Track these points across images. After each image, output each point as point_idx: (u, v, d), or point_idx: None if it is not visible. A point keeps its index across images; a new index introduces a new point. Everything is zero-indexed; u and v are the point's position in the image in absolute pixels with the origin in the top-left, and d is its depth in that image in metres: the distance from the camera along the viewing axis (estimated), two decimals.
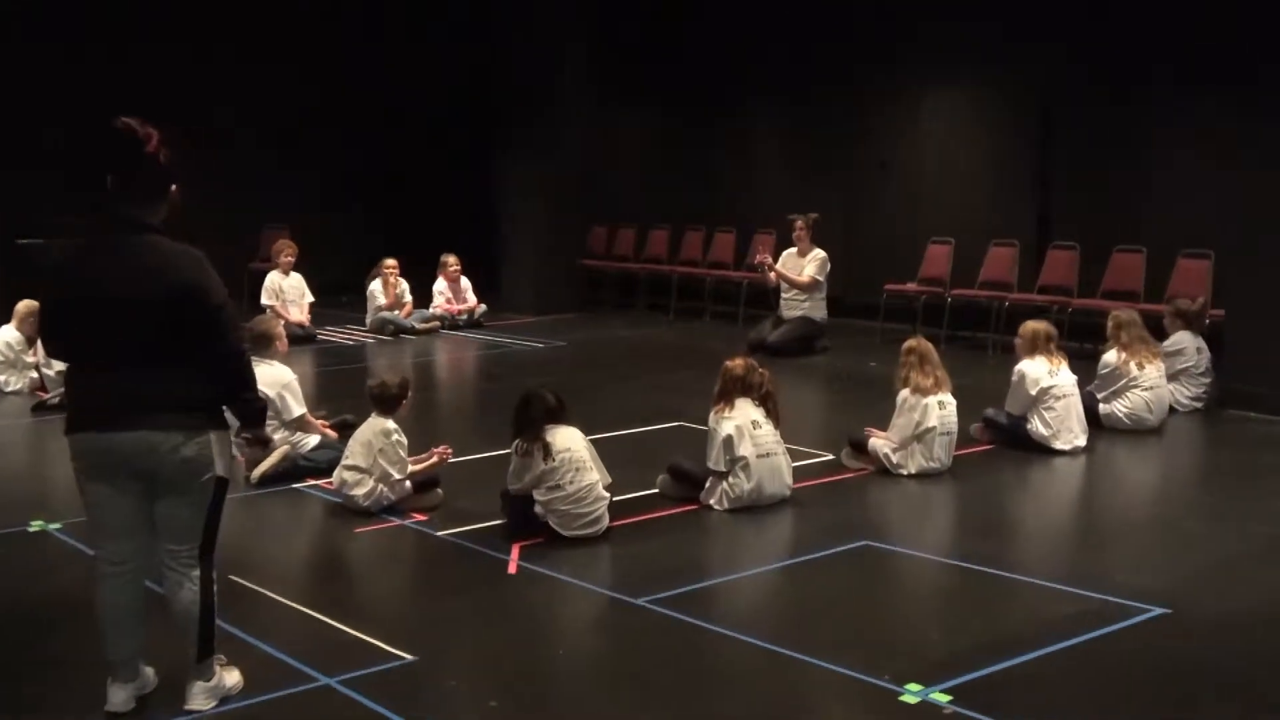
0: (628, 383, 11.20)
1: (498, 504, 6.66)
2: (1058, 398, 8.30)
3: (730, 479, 6.94)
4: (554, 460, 6.34)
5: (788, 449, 7.20)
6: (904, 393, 7.75)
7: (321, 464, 7.62)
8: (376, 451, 6.90)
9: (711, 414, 7.04)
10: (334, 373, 11.74)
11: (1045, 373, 8.35)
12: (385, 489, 6.92)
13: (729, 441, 6.89)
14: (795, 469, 7.32)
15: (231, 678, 4.59)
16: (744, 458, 6.89)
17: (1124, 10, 12.13)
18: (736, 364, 7.13)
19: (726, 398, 7.02)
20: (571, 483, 6.34)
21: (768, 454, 6.98)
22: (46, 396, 9.90)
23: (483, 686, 4.77)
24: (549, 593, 5.78)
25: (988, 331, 12.68)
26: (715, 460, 6.95)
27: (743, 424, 6.94)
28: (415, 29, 17.55)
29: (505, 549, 6.27)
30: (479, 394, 11.57)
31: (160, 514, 4.34)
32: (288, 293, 13.71)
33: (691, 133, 16.54)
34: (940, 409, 7.69)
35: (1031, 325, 8.62)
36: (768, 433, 7.01)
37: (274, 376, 7.57)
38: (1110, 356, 9.13)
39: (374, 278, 14.16)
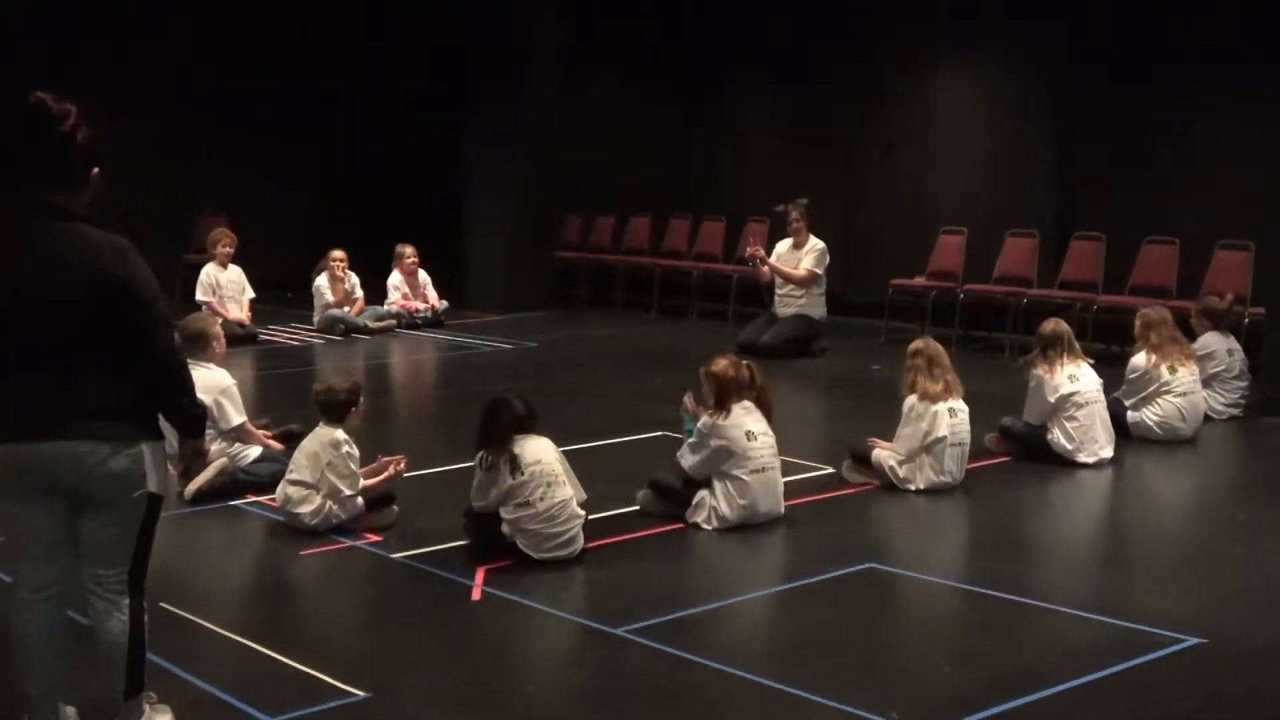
0: (605, 388, 11.21)
1: (460, 523, 6.65)
2: (1080, 405, 8.34)
3: (721, 495, 6.94)
4: (523, 474, 6.34)
5: (788, 461, 7.20)
6: (911, 399, 7.77)
7: (263, 478, 7.59)
8: (324, 465, 6.88)
9: (704, 418, 7.03)
10: (277, 377, 11.71)
11: (1067, 378, 8.39)
12: (334, 506, 6.90)
13: (721, 452, 6.91)
14: (792, 484, 7.34)
15: (162, 717, 4.57)
16: (735, 473, 6.90)
17: None
18: (723, 365, 7.12)
19: (723, 404, 7.02)
20: (542, 499, 6.34)
21: (762, 468, 7.00)
22: None
23: None
24: (517, 622, 5.78)
25: (1004, 331, 12.74)
26: (697, 467, 6.97)
27: (738, 434, 6.95)
28: None
29: (469, 573, 6.26)
30: (439, 401, 11.55)
31: (86, 534, 4.32)
32: (225, 287, 13.66)
33: (676, 111, 16.56)
34: (951, 417, 7.71)
35: (1052, 325, 8.65)
36: (764, 445, 7.03)
37: (210, 381, 7.54)
38: (1139, 359, 9.17)
39: (320, 271, 14.12)
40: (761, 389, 7.16)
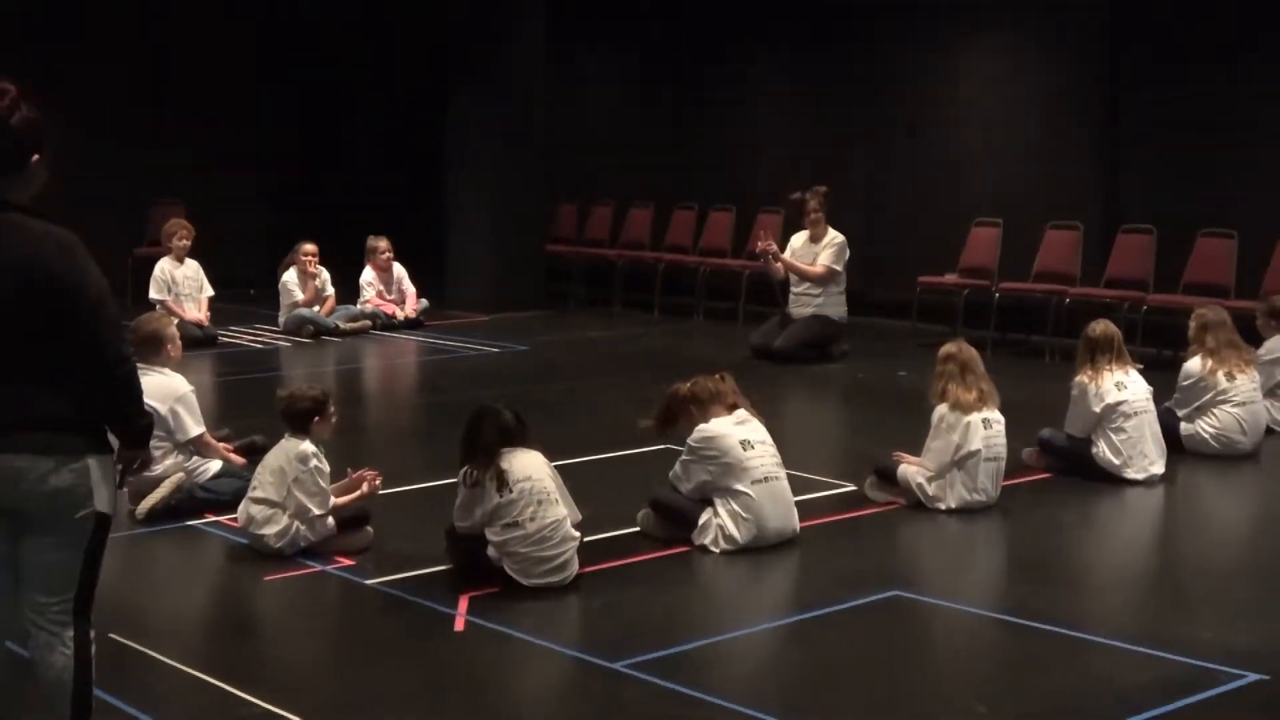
0: (603, 396, 11.22)
1: (441, 545, 6.66)
2: (1128, 416, 8.34)
3: (725, 513, 6.95)
4: (511, 492, 6.34)
5: (804, 478, 7.21)
6: (941, 409, 7.78)
7: (224, 496, 7.60)
8: (291, 481, 6.88)
9: (692, 434, 7.06)
10: (239, 383, 11.72)
11: (1113, 385, 8.39)
12: (302, 527, 6.90)
13: (716, 469, 6.93)
14: (809, 502, 7.34)
15: None
16: (737, 487, 6.92)
17: None
18: (683, 389, 7.17)
19: (702, 412, 7.06)
20: (532, 519, 6.34)
21: (765, 478, 7.00)
22: None
23: None
24: (505, 654, 5.78)
25: (1044, 334, 12.74)
26: (694, 490, 7.02)
27: (731, 444, 6.97)
28: None
29: (451, 600, 6.27)
30: (419, 410, 11.56)
31: (27, 558, 4.30)
32: (182, 284, 13.67)
33: (679, 92, 16.58)
34: (986, 429, 7.72)
35: (1101, 327, 8.65)
36: (763, 453, 7.05)
37: (165, 388, 7.55)
38: (1193, 365, 9.18)
39: (288, 267, 14.12)
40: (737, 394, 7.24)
